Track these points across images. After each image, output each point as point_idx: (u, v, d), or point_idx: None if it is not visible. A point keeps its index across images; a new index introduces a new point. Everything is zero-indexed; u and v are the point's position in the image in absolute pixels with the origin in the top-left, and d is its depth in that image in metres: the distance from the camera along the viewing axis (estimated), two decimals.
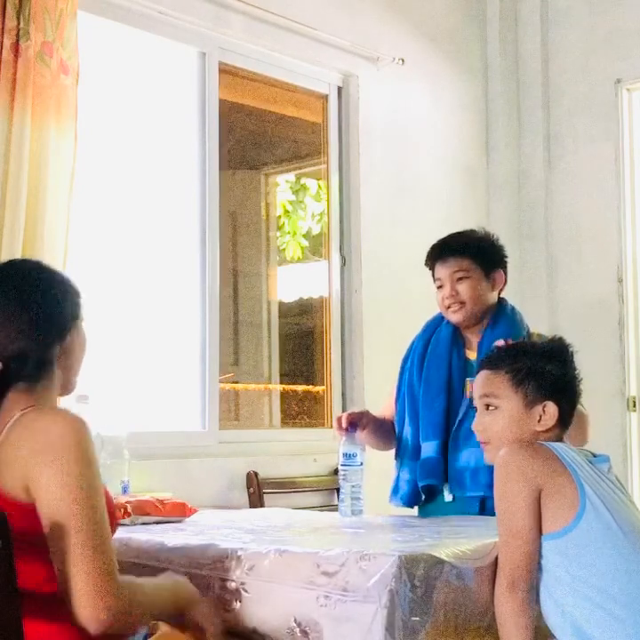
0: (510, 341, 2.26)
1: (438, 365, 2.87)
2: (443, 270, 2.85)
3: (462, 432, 2.75)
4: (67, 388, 1.90)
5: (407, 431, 2.88)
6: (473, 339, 2.88)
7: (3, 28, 2.88)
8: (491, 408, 2.13)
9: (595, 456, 2.12)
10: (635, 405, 4.62)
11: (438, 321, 2.96)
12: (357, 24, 4.32)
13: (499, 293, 2.92)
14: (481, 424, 2.15)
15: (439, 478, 2.78)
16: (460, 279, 2.82)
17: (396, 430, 2.94)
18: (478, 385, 2.17)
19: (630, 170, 4.77)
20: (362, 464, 2.72)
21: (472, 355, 2.86)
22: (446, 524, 2.52)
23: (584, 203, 4.83)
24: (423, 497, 2.85)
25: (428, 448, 2.80)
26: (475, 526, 2.43)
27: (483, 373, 2.16)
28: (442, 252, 2.88)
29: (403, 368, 2.98)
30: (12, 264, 1.97)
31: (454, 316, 2.85)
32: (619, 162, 4.75)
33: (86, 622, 1.63)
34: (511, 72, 5.03)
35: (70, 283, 1.91)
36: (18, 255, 2.85)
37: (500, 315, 2.88)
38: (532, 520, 1.96)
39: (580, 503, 1.95)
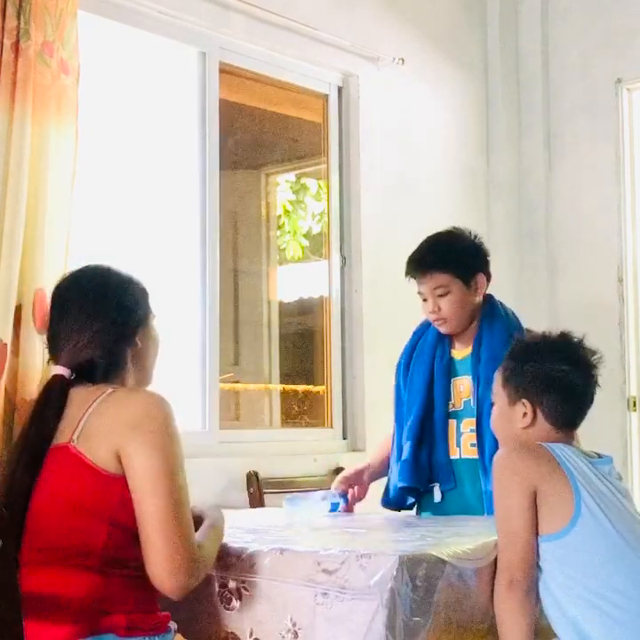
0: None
1: (420, 367, 2.89)
2: (422, 286, 2.82)
3: (439, 431, 2.79)
4: (144, 379, 2.04)
5: (397, 436, 2.91)
6: (462, 337, 2.86)
7: (3, 28, 2.88)
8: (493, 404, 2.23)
9: (600, 457, 2.12)
10: (635, 405, 4.62)
11: (426, 325, 2.96)
12: (357, 24, 4.32)
13: (485, 291, 2.87)
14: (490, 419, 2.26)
15: (412, 480, 2.80)
16: (440, 295, 2.79)
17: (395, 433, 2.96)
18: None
19: (630, 169, 4.77)
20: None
21: (459, 354, 2.86)
22: (447, 524, 2.52)
23: (584, 202, 4.83)
24: (412, 500, 2.87)
25: (405, 450, 2.83)
26: (476, 526, 2.43)
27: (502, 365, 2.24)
28: (417, 267, 2.83)
29: (395, 376, 3.00)
30: (80, 274, 2.06)
31: (441, 329, 2.86)
32: (619, 161, 4.75)
33: (169, 590, 1.79)
34: (511, 72, 5.03)
35: (136, 285, 2.05)
36: (18, 255, 2.86)
37: (494, 315, 2.86)
38: (528, 520, 1.96)
39: (574, 506, 1.95)
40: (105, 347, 1.94)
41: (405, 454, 2.81)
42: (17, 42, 2.89)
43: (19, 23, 2.89)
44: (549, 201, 4.94)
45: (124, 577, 1.82)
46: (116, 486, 1.81)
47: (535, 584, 1.98)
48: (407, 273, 2.88)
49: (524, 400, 2.10)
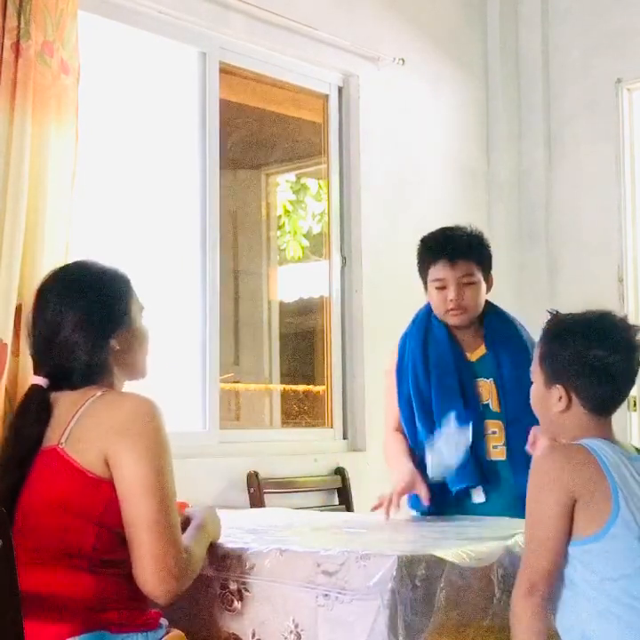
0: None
1: (446, 370, 2.79)
2: (448, 272, 2.75)
3: (480, 432, 2.73)
4: (135, 375, 2.03)
5: (421, 435, 2.79)
6: (469, 339, 2.84)
7: (3, 28, 2.88)
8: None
9: (639, 452, 2.08)
10: (635, 405, 4.62)
11: (426, 319, 2.88)
12: (358, 24, 4.32)
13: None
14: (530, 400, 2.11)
15: (474, 478, 2.71)
16: (466, 284, 2.74)
17: (407, 435, 2.84)
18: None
19: (631, 169, 4.77)
20: None
21: (473, 356, 2.83)
22: (448, 524, 2.51)
23: (584, 202, 4.83)
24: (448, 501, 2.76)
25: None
26: (476, 526, 2.43)
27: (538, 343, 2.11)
28: (449, 252, 2.76)
29: (400, 369, 2.89)
30: (59, 273, 2.03)
31: (454, 319, 2.79)
32: (619, 161, 4.75)
33: (159, 595, 1.80)
34: (511, 72, 5.02)
35: (115, 280, 1.99)
36: (18, 255, 2.86)
37: (495, 313, 2.86)
38: (561, 529, 1.89)
39: (611, 514, 1.88)
40: (81, 349, 1.91)
41: (466, 456, 2.69)
42: (17, 42, 2.89)
43: (19, 23, 2.89)
44: (549, 201, 4.94)
45: (114, 576, 1.83)
46: (104, 489, 1.81)
47: (554, 593, 1.95)
48: (431, 256, 2.79)
49: (559, 385, 2.00)
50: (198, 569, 1.92)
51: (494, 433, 2.75)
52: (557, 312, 2.19)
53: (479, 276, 2.78)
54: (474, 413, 2.74)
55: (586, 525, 1.90)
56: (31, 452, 1.86)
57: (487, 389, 2.78)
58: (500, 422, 2.75)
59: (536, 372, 2.07)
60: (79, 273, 2.00)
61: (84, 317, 1.92)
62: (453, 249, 2.77)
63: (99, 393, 1.88)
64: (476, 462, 2.71)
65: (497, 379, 2.76)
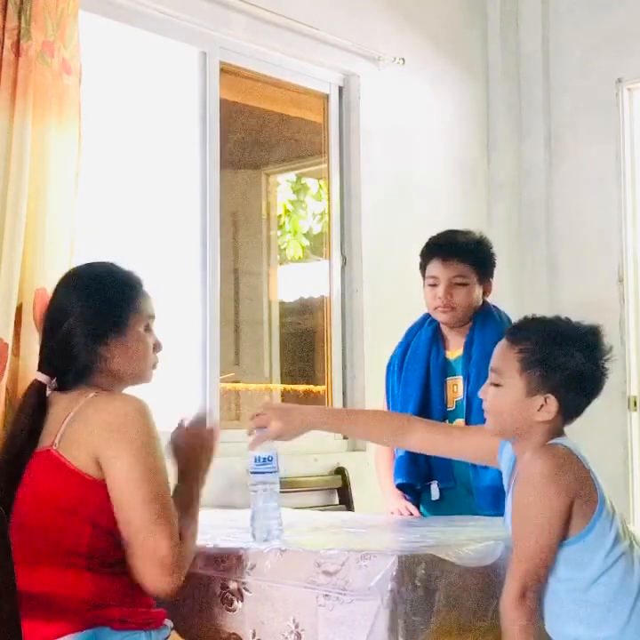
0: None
1: (415, 365, 2.89)
2: (441, 270, 2.83)
3: None
4: (134, 381, 2.02)
5: None
6: (455, 339, 2.89)
7: (3, 28, 2.88)
8: (495, 384, 2.01)
9: None
10: (635, 405, 4.62)
11: (420, 324, 2.97)
12: (358, 24, 4.32)
13: (487, 297, 2.94)
14: (485, 393, 2.03)
15: (410, 476, 2.81)
16: (458, 285, 2.81)
17: None
18: (494, 354, 2.04)
19: (631, 169, 4.76)
20: (277, 471, 2.19)
21: (452, 354, 2.88)
22: (448, 524, 2.52)
23: (585, 202, 4.83)
24: (408, 497, 2.87)
25: None
26: (476, 526, 2.43)
27: (501, 343, 2.02)
28: (445, 251, 2.85)
29: (386, 375, 3.01)
30: (73, 274, 2.07)
31: (441, 317, 2.86)
32: (620, 161, 4.75)
33: (160, 591, 1.83)
34: (512, 72, 5.02)
35: (112, 291, 2.00)
36: (19, 254, 2.85)
37: (487, 316, 2.89)
38: (557, 534, 1.90)
39: (596, 512, 1.90)
40: (74, 350, 1.92)
41: (402, 451, 2.82)
42: (17, 41, 2.89)
43: (19, 23, 2.89)
44: (549, 201, 4.93)
45: (113, 574, 1.83)
46: (97, 490, 1.82)
47: (543, 593, 1.95)
48: (428, 254, 2.88)
49: (549, 395, 1.94)
50: (192, 558, 1.94)
51: None
52: (534, 317, 2.09)
53: (473, 279, 2.83)
54: (436, 409, 2.81)
55: (573, 526, 1.91)
56: (25, 451, 1.88)
57: (460, 387, 2.83)
58: (464, 421, 2.79)
59: (512, 379, 1.97)
60: (88, 274, 2.03)
61: (80, 320, 1.93)
62: (449, 249, 2.85)
63: (91, 394, 1.89)
64: (415, 460, 2.79)
65: (465, 378, 2.81)
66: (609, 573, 1.90)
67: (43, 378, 1.95)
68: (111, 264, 2.07)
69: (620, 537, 1.93)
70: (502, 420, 2.01)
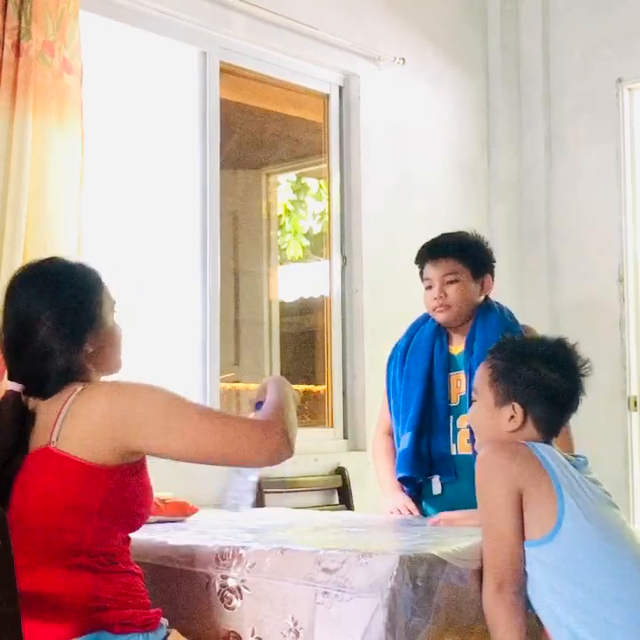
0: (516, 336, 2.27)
1: (418, 359, 2.90)
2: (432, 271, 2.86)
3: (441, 423, 2.80)
4: (108, 371, 1.99)
5: (396, 428, 2.92)
6: (458, 335, 2.90)
7: (4, 28, 2.88)
8: (474, 401, 2.17)
9: (577, 458, 2.11)
10: (636, 405, 4.62)
11: (422, 320, 2.99)
12: (358, 24, 4.32)
13: (488, 292, 2.94)
14: (469, 414, 2.20)
15: (413, 470, 2.81)
16: (450, 282, 2.84)
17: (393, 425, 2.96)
18: (474, 375, 2.20)
19: (631, 169, 4.77)
20: None
21: (456, 350, 2.89)
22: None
23: (585, 202, 4.83)
24: (408, 490, 2.87)
25: (404, 440, 2.83)
26: (475, 526, 2.42)
27: (480, 364, 2.19)
28: (433, 252, 2.89)
29: (387, 369, 3.02)
30: (24, 274, 1.98)
31: (439, 317, 2.88)
32: (620, 161, 4.75)
33: (271, 462, 1.82)
34: (512, 72, 5.03)
35: (83, 284, 1.95)
36: (20, 255, 2.85)
37: (489, 311, 2.90)
38: (515, 522, 1.94)
39: (558, 512, 1.92)
40: (56, 356, 1.87)
41: (405, 444, 2.82)
42: (18, 41, 2.89)
43: (20, 23, 2.89)
44: (549, 201, 4.93)
45: (114, 573, 1.83)
46: (102, 479, 1.80)
47: (523, 586, 1.96)
48: (419, 258, 2.93)
49: (515, 404, 2.06)
50: (291, 428, 1.87)
51: (468, 427, 2.76)
52: (511, 336, 2.31)
53: (465, 275, 2.85)
54: (440, 405, 2.81)
55: (535, 525, 1.94)
56: (13, 457, 1.83)
57: (463, 382, 2.84)
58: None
59: (483, 392, 2.12)
60: (46, 275, 1.94)
61: (55, 325, 1.87)
62: (436, 249, 2.89)
63: (79, 388, 1.85)
64: (418, 454, 2.79)
65: (467, 372, 2.81)
66: (587, 582, 1.90)
67: (17, 388, 1.88)
68: (60, 259, 2.00)
69: (605, 549, 1.92)
70: (482, 432, 2.14)
